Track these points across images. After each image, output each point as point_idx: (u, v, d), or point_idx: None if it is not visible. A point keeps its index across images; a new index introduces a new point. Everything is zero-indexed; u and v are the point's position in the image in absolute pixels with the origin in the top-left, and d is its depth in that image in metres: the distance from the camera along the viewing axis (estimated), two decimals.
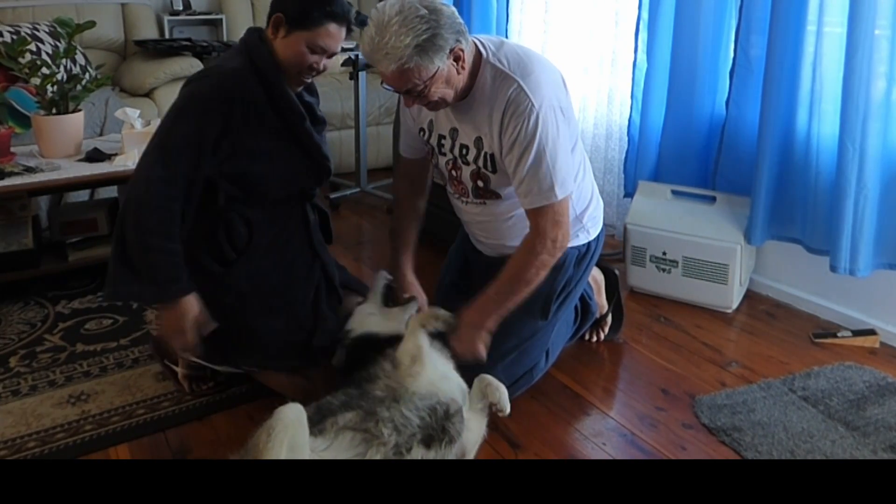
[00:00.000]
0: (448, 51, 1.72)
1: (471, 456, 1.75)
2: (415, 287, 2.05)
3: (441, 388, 1.71)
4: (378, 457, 1.54)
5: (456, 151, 1.96)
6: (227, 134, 1.83)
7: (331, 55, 1.90)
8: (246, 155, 1.87)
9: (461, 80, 1.80)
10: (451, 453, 1.66)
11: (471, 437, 1.75)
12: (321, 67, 1.91)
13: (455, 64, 1.76)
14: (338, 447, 1.53)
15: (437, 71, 1.72)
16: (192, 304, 1.81)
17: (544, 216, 1.82)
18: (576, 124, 1.97)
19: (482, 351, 1.85)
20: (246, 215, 1.93)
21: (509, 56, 1.85)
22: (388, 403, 1.63)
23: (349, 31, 1.89)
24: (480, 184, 1.95)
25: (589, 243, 2.09)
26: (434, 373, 1.74)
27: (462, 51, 1.75)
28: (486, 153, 1.89)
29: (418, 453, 1.59)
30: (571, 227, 1.99)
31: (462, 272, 2.24)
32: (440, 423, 1.64)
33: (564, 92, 1.89)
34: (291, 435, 1.41)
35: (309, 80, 1.96)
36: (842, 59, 2.25)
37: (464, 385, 1.79)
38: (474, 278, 2.18)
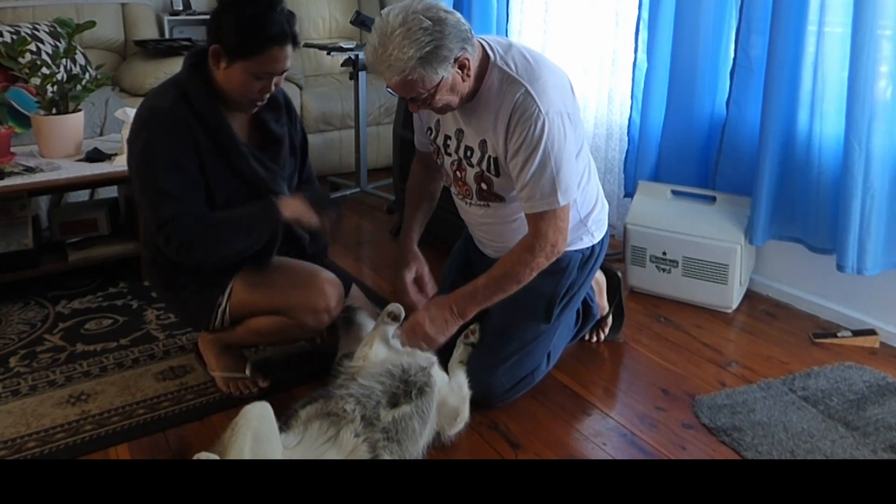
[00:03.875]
0: (452, 60, 1.71)
1: (465, 414, 1.83)
2: (416, 258, 2.11)
3: (400, 358, 1.80)
4: (349, 435, 1.58)
5: (461, 153, 1.96)
6: (187, 163, 1.82)
7: (283, 73, 1.84)
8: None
9: (466, 86, 1.80)
10: (429, 403, 1.72)
11: (456, 394, 1.84)
12: (272, 89, 1.85)
13: (460, 72, 1.75)
14: (309, 439, 1.58)
15: (441, 80, 1.72)
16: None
17: (545, 221, 1.82)
18: (582, 128, 1.97)
19: (441, 340, 1.90)
20: None
21: (517, 59, 1.84)
22: (346, 384, 1.70)
23: (296, 44, 1.81)
24: (484, 186, 1.95)
25: (593, 247, 2.08)
26: (385, 354, 1.83)
27: (468, 59, 1.74)
28: (489, 156, 1.89)
29: (388, 417, 1.64)
30: (576, 231, 1.99)
31: (464, 273, 2.23)
32: (401, 381, 1.71)
33: (572, 97, 1.89)
34: (255, 427, 1.48)
35: (260, 104, 1.89)
36: (843, 59, 2.25)
37: (432, 358, 1.85)
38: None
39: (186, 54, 1.90)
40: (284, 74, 1.85)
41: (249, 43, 1.75)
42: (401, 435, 1.64)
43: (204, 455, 1.43)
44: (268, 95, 1.86)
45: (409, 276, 2.09)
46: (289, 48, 1.80)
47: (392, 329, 1.91)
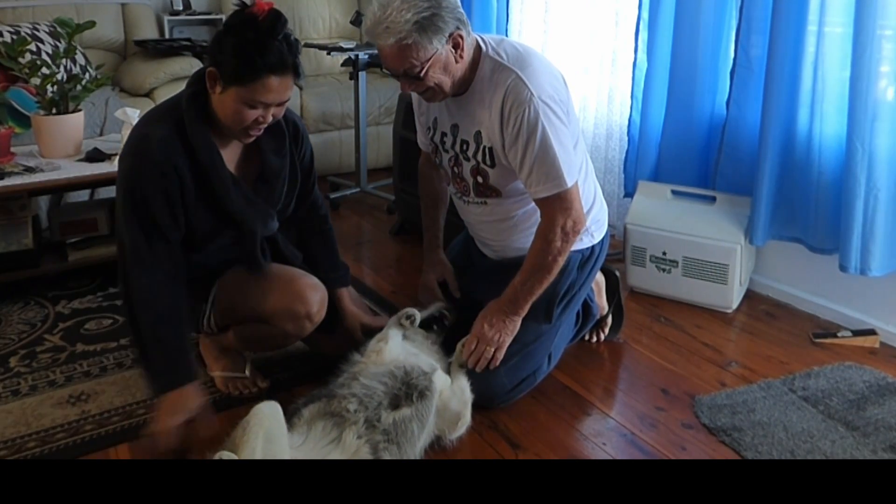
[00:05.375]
0: (447, 35, 1.74)
1: (467, 418, 1.83)
2: (444, 265, 2.21)
3: (405, 361, 1.80)
4: (352, 437, 1.58)
5: (457, 147, 1.97)
6: (169, 200, 1.76)
7: (280, 104, 1.74)
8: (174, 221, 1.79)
9: (459, 69, 1.82)
10: (429, 407, 1.72)
11: (458, 398, 1.83)
12: (269, 120, 1.75)
13: (454, 51, 1.78)
14: (313, 439, 1.58)
15: (434, 53, 1.74)
16: (187, 396, 1.74)
17: (553, 205, 1.83)
18: (577, 124, 1.97)
19: (507, 339, 1.93)
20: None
21: (508, 50, 1.87)
22: (347, 383, 1.70)
23: (297, 76, 1.71)
24: (480, 179, 1.96)
25: (592, 247, 2.09)
26: (398, 352, 1.83)
27: (461, 37, 1.77)
28: (484, 146, 1.90)
29: (390, 418, 1.64)
30: None
31: (465, 273, 2.24)
32: (402, 383, 1.71)
33: (564, 87, 1.90)
34: (267, 427, 1.48)
35: (256, 135, 1.79)
36: (843, 59, 2.26)
37: (436, 364, 1.85)
38: (479, 281, 2.18)
39: (191, 76, 1.82)
40: (284, 106, 1.77)
41: (244, 69, 1.65)
42: (400, 437, 1.64)
43: (225, 455, 1.43)
44: (263, 126, 1.77)
45: (434, 278, 2.18)
46: (287, 79, 1.70)
47: (406, 331, 1.94)
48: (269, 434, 1.47)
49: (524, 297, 1.91)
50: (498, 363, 1.94)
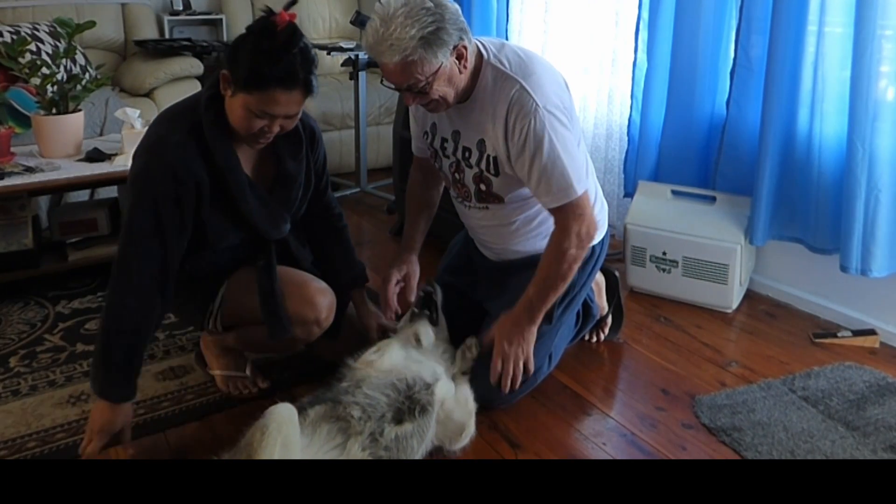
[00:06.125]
0: (451, 47, 1.71)
1: (471, 429, 1.80)
2: (412, 265, 2.13)
3: (406, 370, 1.78)
4: (357, 447, 1.57)
5: (459, 154, 1.96)
6: (179, 206, 1.73)
7: (288, 117, 1.71)
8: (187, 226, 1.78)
9: (463, 79, 1.80)
10: (429, 422, 1.71)
11: (462, 408, 1.80)
12: (275, 131, 1.72)
13: (457, 62, 1.75)
14: (318, 442, 1.57)
15: (440, 67, 1.71)
16: (122, 413, 1.74)
17: (565, 213, 1.82)
18: (579, 126, 1.97)
19: (530, 350, 1.91)
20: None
21: (510, 57, 1.84)
22: (351, 390, 1.68)
23: (308, 92, 1.69)
24: (483, 187, 1.95)
25: (593, 247, 2.08)
26: (397, 360, 1.81)
27: (465, 48, 1.75)
28: (488, 155, 1.89)
29: (392, 433, 1.63)
30: None
31: (464, 274, 2.23)
32: (406, 396, 1.69)
33: (566, 92, 1.89)
34: (285, 433, 1.46)
35: (264, 143, 1.77)
36: (843, 58, 2.26)
37: (438, 368, 1.84)
38: (479, 281, 2.18)
39: (210, 78, 1.79)
40: (294, 119, 1.74)
41: (253, 77, 1.64)
42: (400, 454, 1.63)
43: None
44: (271, 136, 1.75)
45: (398, 275, 2.12)
46: (296, 93, 1.67)
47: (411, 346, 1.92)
48: (286, 440, 1.45)
49: (540, 307, 1.88)
50: (531, 373, 1.93)
